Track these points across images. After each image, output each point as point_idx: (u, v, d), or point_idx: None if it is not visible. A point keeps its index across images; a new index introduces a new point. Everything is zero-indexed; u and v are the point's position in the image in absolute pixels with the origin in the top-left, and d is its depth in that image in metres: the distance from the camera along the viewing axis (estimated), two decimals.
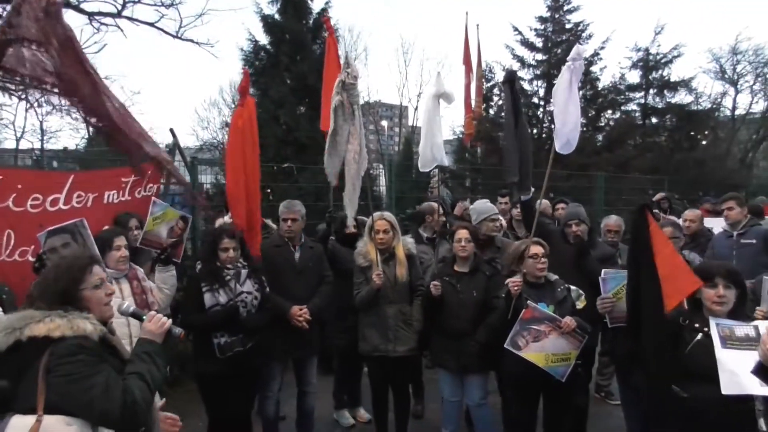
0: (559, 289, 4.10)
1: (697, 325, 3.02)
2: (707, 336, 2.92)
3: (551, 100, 15.23)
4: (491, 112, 15.91)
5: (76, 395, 2.04)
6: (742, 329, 2.87)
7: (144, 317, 2.47)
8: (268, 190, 8.57)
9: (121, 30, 8.98)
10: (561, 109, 4.10)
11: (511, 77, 4.76)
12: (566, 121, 4.11)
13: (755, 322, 2.92)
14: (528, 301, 3.89)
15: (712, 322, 2.94)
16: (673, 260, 3.24)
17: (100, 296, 2.32)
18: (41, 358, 2.03)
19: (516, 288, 3.92)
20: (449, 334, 4.31)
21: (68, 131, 30.95)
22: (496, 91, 15.93)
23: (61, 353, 2.04)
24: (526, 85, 15.49)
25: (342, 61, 4.72)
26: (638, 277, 3.31)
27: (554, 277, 4.17)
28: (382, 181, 10.68)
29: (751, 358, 2.61)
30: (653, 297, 3.18)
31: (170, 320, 2.48)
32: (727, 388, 2.73)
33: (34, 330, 2.04)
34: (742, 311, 3.08)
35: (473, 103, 14.59)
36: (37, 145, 27.26)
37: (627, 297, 3.52)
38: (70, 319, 2.10)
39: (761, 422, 2.81)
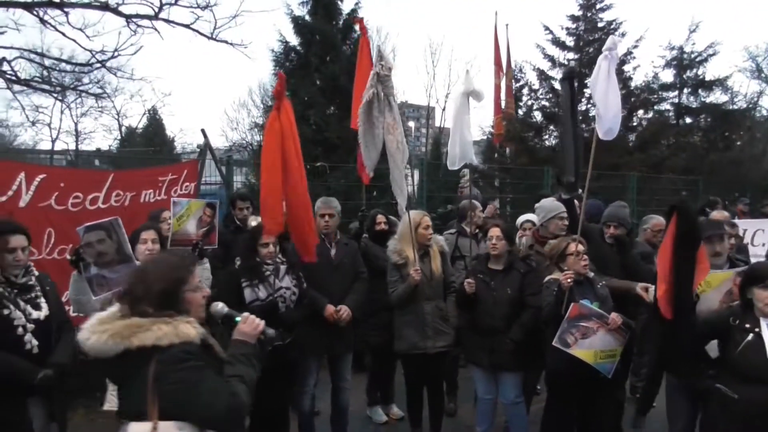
0: (599, 285, 4.09)
1: (748, 326, 2.99)
2: (759, 337, 2.90)
3: (579, 98, 15.06)
4: (521, 112, 15.77)
5: (188, 401, 2.07)
6: None
7: (238, 319, 2.44)
8: None
9: (158, 32, 9.15)
10: (602, 96, 4.08)
11: (571, 74, 4.73)
12: (608, 108, 4.09)
13: None
14: (576, 298, 3.88)
15: (764, 323, 2.92)
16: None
17: (199, 299, 2.31)
18: (149, 366, 2.04)
19: (569, 281, 3.87)
20: (483, 331, 4.31)
21: (102, 132, 31.69)
22: (525, 90, 15.80)
23: (169, 361, 2.06)
24: (557, 85, 15.31)
25: (374, 56, 4.75)
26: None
27: (592, 273, 4.15)
28: (410, 180, 10.68)
29: None
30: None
31: (264, 321, 2.46)
32: None
33: (143, 339, 2.04)
34: None
35: (503, 103, 14.50)
36: (72, 146, 28.03)
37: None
38: (176, 326, 2.10)
39: None
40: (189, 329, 2.12)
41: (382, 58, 4.61)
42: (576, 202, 4.60)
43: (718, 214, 5.68)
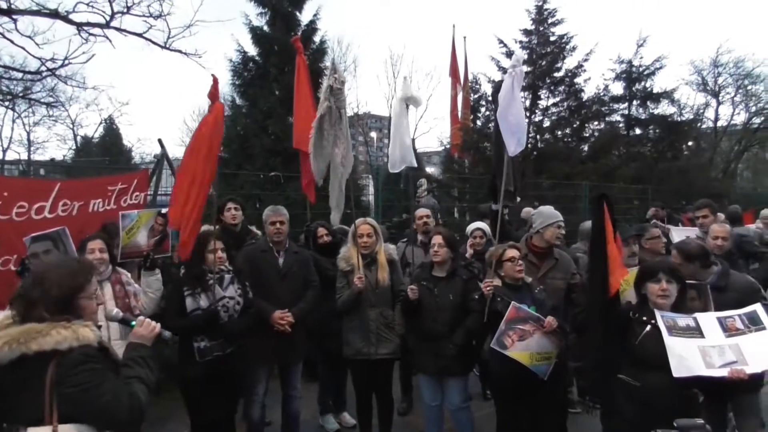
0: (536, 291, 4.23)
1: (644, 318, 3.28)
2: (655, 327, 3.19)
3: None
4: (478, 123, 16.06)
5: (88, 404, 2.09)
6: (683, 320, 3.21)
7: (133, 323, 2.51)
8: (258, 199, 8.67)
9: (110, 40, 9.02)
10: (504, 112, 4.31)
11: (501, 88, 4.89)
12: (510, 122, 4.33)
13: (694, 314, 3.26)
14: (512, 302, 3.99)
15: (658, 314, 3.23)
16: (614, 248, 3.52)
17: (93, 306, 2.35)
18: (47, 370, 2.05)
19: (489, 289, 4.03)
20: (427, 337, 4.38)
21: (55, 142, 30.78)
22: (482, 102, 16.10)
23: (69, 364, 2.07)
24: None
25: (329, 68, 4.80)
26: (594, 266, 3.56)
27: (529, 279, 4.30)
28: (371, 190, 10.75)
29: (694, 345, 3.05)
30: (601, 283, 3.44)
31: (159, 324, 2.54)
32: (677, 371, 3.01)
33: (42, 344, 2.05)
34: (684, 304, 3.34)
35: (460, 114, 14.77)
36: (24, 156, 27.20)
37: (587, 284, 3.78)
38: (75, 330, 2.12)
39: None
40: (88, 332, 2.16)
41: (335, 71, 4.70)
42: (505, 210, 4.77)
43: (719, 228, 4.99)
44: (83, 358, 2.11)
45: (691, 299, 3.48)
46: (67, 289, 2.22)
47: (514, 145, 4.33)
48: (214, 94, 4.04)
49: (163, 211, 4.90)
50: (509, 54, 15.84)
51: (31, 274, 2.31)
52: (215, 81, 4.10)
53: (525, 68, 15.57)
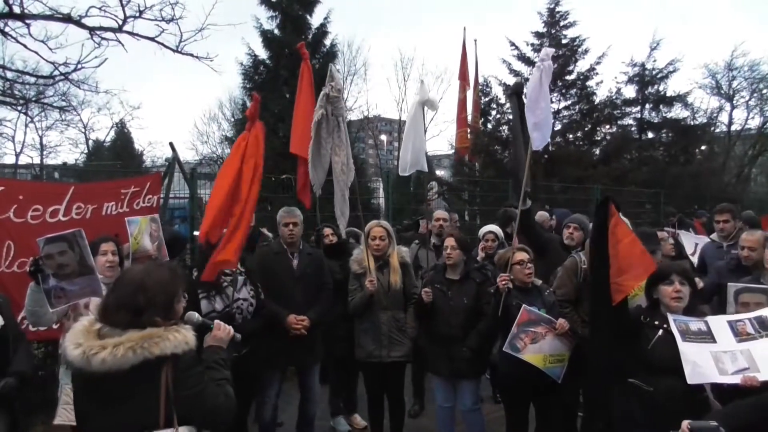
0: (546, 293, 4.21)
1: (656, 323, 3.23)
2: (667, 332, 3.15)
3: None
4: (489, 126, 16.03)
5: (199, 405, 2.16)
6: (695, 324, 3.17)
7: (212, 326, 2.55)
8: (269, 202, 8.69)
9: (122, 44, 9.04)
10: (532, 105, 4.27)
11: (518, 89, 4.87)
12: (538, 116, 4.28)
13: (705, 318, 3.22)
14: (523, 305, 3.97)
15: (671, 318, 3.19)
16: (633, 249, 3.42)
17: (181, 309, 2.39)
18: (160, 375, 2.09)
19: (504, 283, 4.00)
20: (440, 340, 4.36)
21: (68, 146, 30.87)
22: (493, 105, 16.07)
23: (183, 368, 2.12)
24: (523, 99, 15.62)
25: (328, 77, 4.80)
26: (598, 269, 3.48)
27: (539, 282, 4.28)
28: (381, 193, 10.77)
29: (707, 350, 3.00)
30: (604, 287, 3.35)
31: (232, 328, 2.59)
32: (691, 377, 2.97)
33: (163, 348, 2.08)
34: (695, 307, 3.32)
35: (469, 117, 14.73)
36: (37, 160, 27.41)
37: (589, 289, 3.67)
38: (185, 334, 2.17)
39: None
40: (192, 337, 2.20)
41: (332, 79, 4.70)
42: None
43: (750, 238, 4.63)
44: (193, 361, 2.18)
45: (744, 304, 3.45)
46: (170, 294, 2.27)
47: (539, 140, 4.30)
48: (253, 114, 3.85)
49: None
50: (520, 57, 15.83)
51: (125, 282, 2.28)
52: (256, 100, 3.90)
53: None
